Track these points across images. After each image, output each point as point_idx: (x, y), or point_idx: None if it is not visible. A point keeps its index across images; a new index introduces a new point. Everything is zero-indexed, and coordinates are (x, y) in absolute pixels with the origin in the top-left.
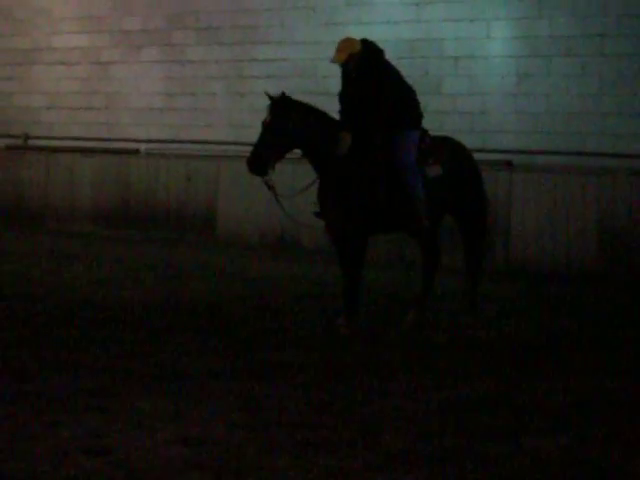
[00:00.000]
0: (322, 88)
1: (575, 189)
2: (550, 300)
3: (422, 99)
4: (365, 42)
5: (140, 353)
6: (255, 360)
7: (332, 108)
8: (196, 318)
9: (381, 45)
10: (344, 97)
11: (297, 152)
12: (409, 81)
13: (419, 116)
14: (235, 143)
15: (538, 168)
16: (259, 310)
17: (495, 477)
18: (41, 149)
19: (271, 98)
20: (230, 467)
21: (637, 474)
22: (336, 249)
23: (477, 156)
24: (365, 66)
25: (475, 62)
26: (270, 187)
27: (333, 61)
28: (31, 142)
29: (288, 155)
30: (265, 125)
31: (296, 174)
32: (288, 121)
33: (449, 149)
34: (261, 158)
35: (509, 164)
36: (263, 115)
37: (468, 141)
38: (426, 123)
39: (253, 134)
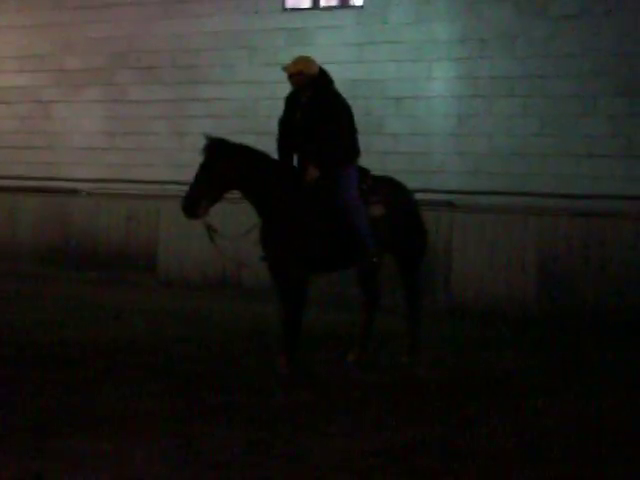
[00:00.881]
0: (264, 128)
1: (516, 230)
2: (490, 341)
3: (364, 139)
4: (322, 69)
5: (80, 393)
6: (195, 400)
7: (273, 148)
8: (136, 358)
9: None
10: (285, 123)
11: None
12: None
13: (357, 152)
14: (176, 182)
15: (480, 209)
16: (200, 350)
17: None
18: None
19: (207, 139)
20: None
21: None
22: (278, 289)
23: (419, 196)
24: (319, 92)
25: (417, 102)
26: (208, 228)
27: (284, 69)
28: None
29: (231, 195)
30: (199, 167)
31: (237, 215)
32: (222, 162)
33: (390, 189)
34: (194, 200)
35: (451, 204)
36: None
37: (410, 181)
38: (368, 163)
39: (194, 173)
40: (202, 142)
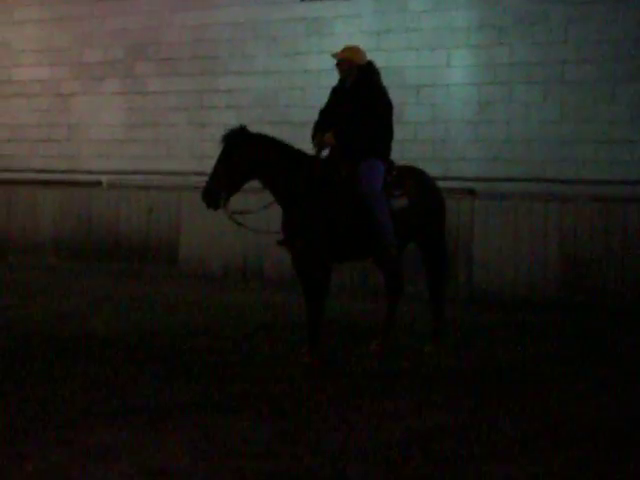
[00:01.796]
0: (284, 118)
1: (537, 216)
2: (513, 327)
3: None
4: (371, 61)
5: (103, 385)
6: (218, 391)
7: (294, 138)
8: (159, 350)
9: None
10: (326, 112)
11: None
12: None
13: (389, 150)
14: (197, 173)
15: (500, 196)
16: (222, 341)
17: None
18: (2, 182)
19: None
20: None
21: None
22: (300, 279)
23: (439, 184)
24: (363, 81)
25: (436, 90)
26: (231, 217)
27: (333, 55)
28: None
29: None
30: (219, 156)
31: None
32: (241, 151)
33: (415, 180)
34: (214, 190)
35: (471, 192)
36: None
37: (430, 169)
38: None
39: (214, 163)
40: (222, 133)
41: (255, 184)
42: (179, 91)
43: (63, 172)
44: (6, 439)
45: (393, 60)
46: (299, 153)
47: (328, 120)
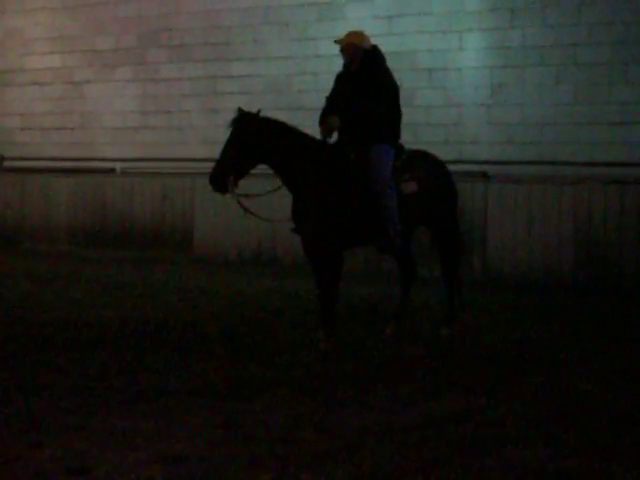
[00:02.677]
0: (297, 103)
1: (551, 199)
2: (528, 310)
3: None
4: (376, 46)
5: (119, 372)
6: (234, 376)
7: (307, 124)
8: (175, 336)
9: None
10: (332, 99)
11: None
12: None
13: (397, 133)
14: (210, 160)
15: (513, 179)
16: (237, 326)
17: None
18: (15, 170)
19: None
20: None
21: None
22: (312, 264)
23: (452, 168)
24: (368, 65)
25: (448, 74)
26: (239, 202)
27: (336, 41)
28: (5, 163)
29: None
30: (226, 140)
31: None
32: (249, 135)
33: (425, 165)
34: (221, 174)
35: (484, 175)
36: None
37: (443, 153)
38: (401, 136)
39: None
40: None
41: (266, 169)
42: (192, 78)
43: (76, 160)
44: (23, 426)
45: (405, 44)
46: (308, 138)
47: (335, 106)
